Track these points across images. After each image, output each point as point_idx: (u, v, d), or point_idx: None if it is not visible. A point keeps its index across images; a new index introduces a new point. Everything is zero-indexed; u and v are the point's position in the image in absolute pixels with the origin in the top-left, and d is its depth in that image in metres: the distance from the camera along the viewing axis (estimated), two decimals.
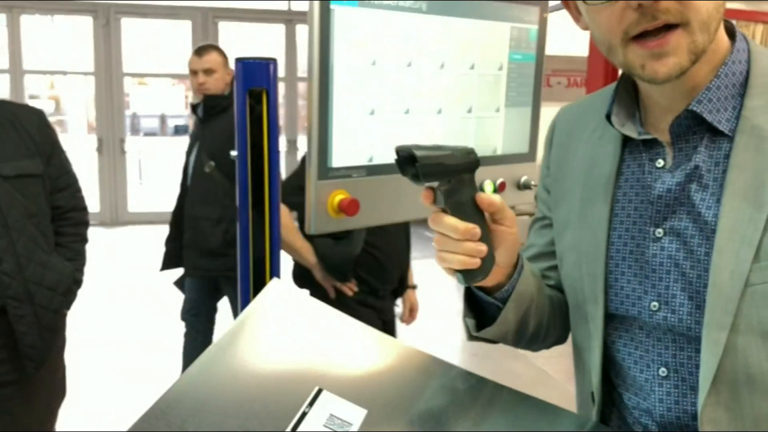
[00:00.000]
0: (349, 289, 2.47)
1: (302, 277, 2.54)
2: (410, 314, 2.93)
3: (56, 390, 2.16)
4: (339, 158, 1.14)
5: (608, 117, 0.92)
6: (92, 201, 9.35)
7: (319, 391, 0.70)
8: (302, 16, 9.58)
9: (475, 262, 0.86)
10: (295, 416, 0.66)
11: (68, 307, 2.09)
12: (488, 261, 0.87)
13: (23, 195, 1.89)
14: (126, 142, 9.40)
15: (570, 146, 1.01)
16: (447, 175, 0.85)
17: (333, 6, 1.07)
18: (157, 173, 15.51)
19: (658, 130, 0.89)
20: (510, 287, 0.93)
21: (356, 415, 0.69)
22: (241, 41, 9.75)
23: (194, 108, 3.27)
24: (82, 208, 2.14)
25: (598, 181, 0.94)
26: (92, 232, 7.51)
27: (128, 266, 6.95)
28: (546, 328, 1.03)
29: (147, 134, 25.57)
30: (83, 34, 9.17)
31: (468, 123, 1.31)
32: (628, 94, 0.92)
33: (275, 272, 1.13)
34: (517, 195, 1.42)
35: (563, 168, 1.02)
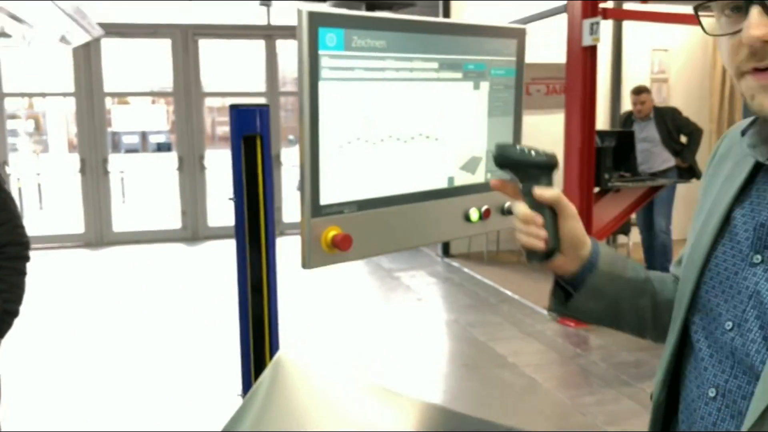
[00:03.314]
0: None
1: None
2: None
3: None
4: (330, 196, 1.18)
5: (743, 134, 0.94)
6: (77, 222, 9.34)
7: None
8: (282, 31, 9.63)
9: (536, 244, 1.01)
10: None
11: (0, 336, 2.11)
12: (551, 244, 1.01)
13: None
14: (109, 161, 9.38)
15: (725, 159, 1.03)
16: (519, 168, 1.04)
17: (321, 52, 1.12)
18: (140, 191, 15.46)
19: None
20: (578, 278, 1.05)
21: None
22: (221, 57, 9.78)
23: None
24: (20, 243, 2.16)
25: (725, 196, 0.96)
26: (77, 255, 7.49)
27: (113, 288, 6.94)
28: (646, 327, 1.12)
29: (128, 151, 25.49)
30: (62, 55, 9.15)
31: (454, 155, 1.37)
32: None
33: (274, 322, 1.17)
34: (502, 220, 1.48)
35: (712, 178, 1.04)
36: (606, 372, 4.42)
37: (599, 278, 1.06)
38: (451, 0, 8.05)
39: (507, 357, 4.74)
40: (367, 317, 5.79)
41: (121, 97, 11.26)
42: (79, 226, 9.37)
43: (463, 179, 1.40)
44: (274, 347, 1.30)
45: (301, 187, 1.15)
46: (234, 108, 1.15)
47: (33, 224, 9.76)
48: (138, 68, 10.59)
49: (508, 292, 6.37)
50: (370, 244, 1.25)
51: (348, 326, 5.53)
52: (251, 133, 1.11)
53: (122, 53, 9.91)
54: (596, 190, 5.82)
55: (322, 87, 1.14)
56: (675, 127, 6.35)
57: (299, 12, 1.10)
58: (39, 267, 6.59)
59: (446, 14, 7.93)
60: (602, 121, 8.02)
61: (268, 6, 9.01)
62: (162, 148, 9.44)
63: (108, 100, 9.76)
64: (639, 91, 6.37)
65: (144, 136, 24.64)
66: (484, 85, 1.40)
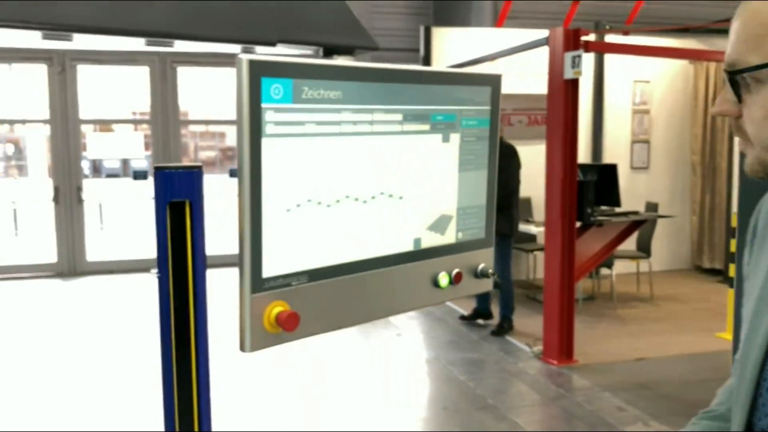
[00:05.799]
0: None
1: None
2: None
3: None
4: (274, 266, 1.04)
5: None
6: (49, 251, 9.09)
7: None
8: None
9: None
10: None
11: None
12: None
13: None
14: (83, 190, 9.17)
15: (765, 240, 0.96)
16: None
17: (265, 105, 0.98)
18: (119, 218, 15.19)
19: None
20: None
21: None
22: (200, 85, 9.67)
23: None
24: None
25: None
26: (49, 285, 7.24)
27: (86, 320, 6.71)
28: None
29: (109, 176, 25.16)
30: (39, 81, 8.98)
31: (421, 215, 1.23)
32: None
33: (205, 413, 1.01)
34: (475, 284, 1.34)
35: (757, 262, 0.96)
36: (590, 415, 4.27)
37: None
38: (433, 27, 8.00)
39: (487, 398, 4.58)
40: (345, 353, 5.60)
41: (97, 124, 11.10)
42: (51, 255, 9.13)
43: (431, 241, 1.26)
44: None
45: (240, 257, 1.00)
46: (159, 170, 1.00)
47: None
48: (116, 95, 10.46)
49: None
50: (322, 319, 1.10)
51: (325, 362, 5.34)
52: (178, 199, 0.96)
53: (99, 80, 9.76)
54: (578, 224, 5.71)
55: (266, 144, 1.00)
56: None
57: (238, 61, 0.96)
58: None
59: (427, 48, 7.84)
60: (583, 154, 7.94)
61: (251, 51, 8.94)
62: (138, 176, 9.25)
63: (87, 129, 9.59)
64: None
65: (125, 161, 24.38)
66: (455, 137, 1.26)
